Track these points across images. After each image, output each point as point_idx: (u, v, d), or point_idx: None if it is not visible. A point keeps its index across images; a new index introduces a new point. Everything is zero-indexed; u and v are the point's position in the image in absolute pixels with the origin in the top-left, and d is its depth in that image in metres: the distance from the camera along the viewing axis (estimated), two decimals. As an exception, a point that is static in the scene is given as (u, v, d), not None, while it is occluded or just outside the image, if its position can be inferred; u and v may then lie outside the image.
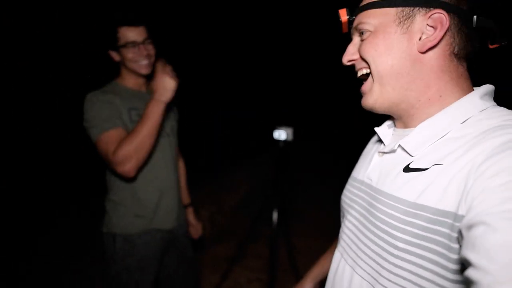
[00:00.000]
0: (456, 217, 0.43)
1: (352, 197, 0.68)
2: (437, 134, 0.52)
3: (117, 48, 1.25)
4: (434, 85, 0.53)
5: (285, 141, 2.11)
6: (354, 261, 0.61)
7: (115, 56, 1.28)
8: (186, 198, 1.62)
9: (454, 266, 0.44)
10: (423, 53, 0.52)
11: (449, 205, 0.44)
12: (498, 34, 0.53)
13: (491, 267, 0.33)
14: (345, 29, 0.63)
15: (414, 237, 0.48)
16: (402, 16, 0.53)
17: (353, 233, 0.63)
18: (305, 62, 8.27)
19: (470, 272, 0.35)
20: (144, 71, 1.29)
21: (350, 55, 0.61)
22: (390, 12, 0.54)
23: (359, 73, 0.60)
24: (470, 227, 0.38)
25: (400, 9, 0.53)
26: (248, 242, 2.78)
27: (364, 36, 0.57)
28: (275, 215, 2.14)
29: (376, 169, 0.62)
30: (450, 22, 0.51)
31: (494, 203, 0.37)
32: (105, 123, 1.17)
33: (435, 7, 0.51)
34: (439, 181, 0.47)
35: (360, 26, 0.58)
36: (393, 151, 0.58)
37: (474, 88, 0.55)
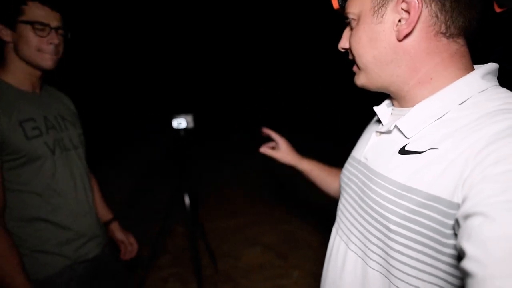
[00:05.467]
0: (450, 204, 0.42)
1: (349, 175, 0.67)
2: (433, 115, 0.49)
3: (15, 22, 0.90)
4: (422, 69, 0.51)
5: (185, 129, 1.90)
6: (348, 238, 0.62)
7: (4, 34, 0.91)
8: (106, 213, 1.29)
9: (448, 251, 0.43)
10: (401, 40, 0.50)
11: (442, 191, 0.43)
12: None
13: (488, 260, 0.31)
14: (342, 11, 0.62)
15: (403, 219, 0.47)
16: (377, 5, 0.51)
17: (347, 210, 0.64)
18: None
19: (465, 263, 0.34)
20: (49, 65, 0.96)
21: (343, 43, 0.61)
22: (366, 1, 0.52)
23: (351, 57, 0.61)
24: (467, 216, 0.36)
25: None
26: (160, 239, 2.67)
27: (352, 25, 0.57)
28: (187, 200, 2.00)
29: (372, 148, 0.61)
30: (427, 1, 0.47)
31: (494, 193, 0.35)
32: None
33: None
34: (433, 166, 0.45)
35: (348, 16, 0.57)
36: (389, 131, 0.57)
37: (475, 67, 0.52)
